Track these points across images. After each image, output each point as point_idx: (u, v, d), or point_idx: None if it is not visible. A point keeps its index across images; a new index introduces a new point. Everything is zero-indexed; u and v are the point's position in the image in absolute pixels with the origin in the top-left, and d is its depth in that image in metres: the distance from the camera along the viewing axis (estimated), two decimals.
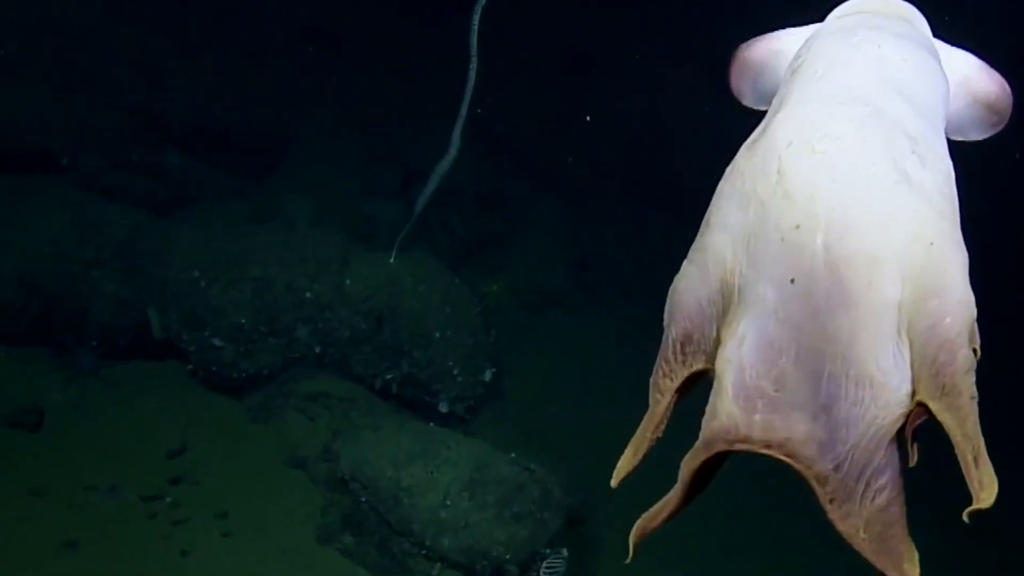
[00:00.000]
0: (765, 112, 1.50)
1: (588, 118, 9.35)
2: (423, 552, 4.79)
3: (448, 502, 4.63)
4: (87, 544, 4.79)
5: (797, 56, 1.53)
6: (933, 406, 1.12)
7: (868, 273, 1.14)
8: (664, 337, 1.34)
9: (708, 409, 1.23)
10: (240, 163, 7.74)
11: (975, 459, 1.10)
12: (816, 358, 1.14)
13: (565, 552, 4.79)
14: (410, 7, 9.97)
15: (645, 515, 1.26)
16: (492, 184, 8.12)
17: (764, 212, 1.21)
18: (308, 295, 5.66)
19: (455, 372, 5.75)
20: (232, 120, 8.03)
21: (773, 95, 1.57)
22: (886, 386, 1.13)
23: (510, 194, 8.23)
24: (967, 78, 1.66)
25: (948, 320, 1.14)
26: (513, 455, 4.89)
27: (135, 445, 5.49)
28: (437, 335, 5.74)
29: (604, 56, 10.17)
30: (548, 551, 4.77)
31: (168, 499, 5.17)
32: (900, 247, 1.16)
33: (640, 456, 1.33)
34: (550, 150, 8.85)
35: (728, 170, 1.35)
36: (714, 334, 1.27)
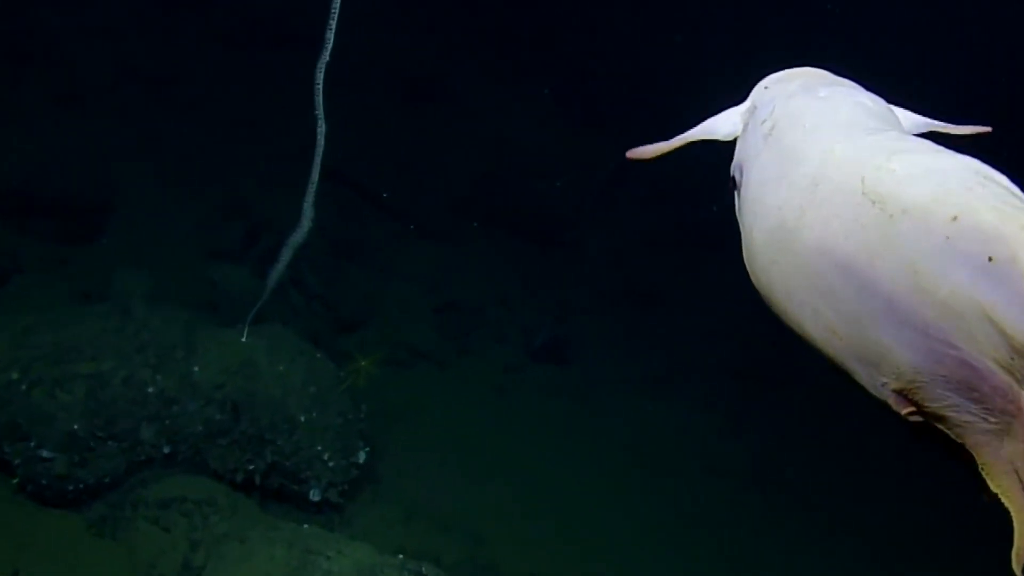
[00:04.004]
0: None
1: (437, 150, 8.98)
2: None
3: None
4: None
5: (760, 121, 1.51)
6: None
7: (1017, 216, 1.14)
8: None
9: None
10: (59, 228, 6.91)
11: None
12: None
13: None
14: (239, 42, 9.30)
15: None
16: (345, 231, 7.61)
17: (907, 237, 1.17)
18: (151, 389, 5.02)
19: (325, 457, 5.24)
20: (46, 178, 7.18)
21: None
22: None
23: (365, 240, 7.75)
24: None
25: None
26: (401, 556, 4.44)
27: None
28: (302, 418, 5.22)
29: (444, 84, 9.82)
30: None
31: None
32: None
33: None
34: (402, 187, 8.41)
35: (813, 249, 1.28)
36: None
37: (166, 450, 5.07)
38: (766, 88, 1.61)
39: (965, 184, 1.16)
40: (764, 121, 1.50)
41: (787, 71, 1.66)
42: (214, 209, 7.37)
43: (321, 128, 4.52)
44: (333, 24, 4.29)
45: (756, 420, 7.15)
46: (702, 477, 6.57)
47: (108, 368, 5.02)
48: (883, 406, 1.27)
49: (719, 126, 1.68)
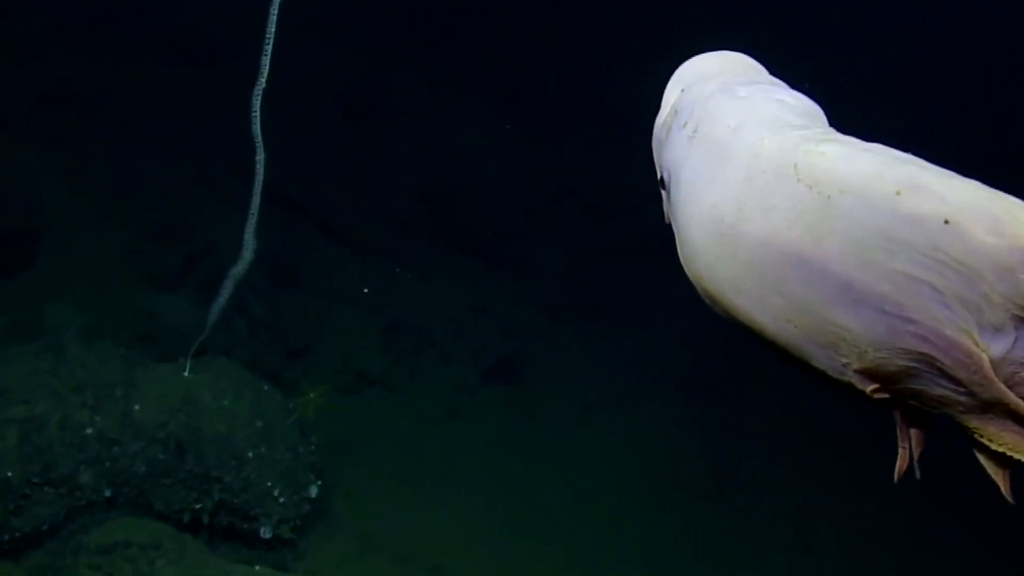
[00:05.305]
0: None
1: (379, 167, 8.83)
2: None
3: None
4: None
5: (683, 124, 1.49)
6: None
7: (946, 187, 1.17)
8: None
9: None
10: None
11: None
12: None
13: None
14: (170, 58, 9.03)
15: None
16: (288, 252, 7.42)
17: (850, 216, 1.17)
18: (89, 431, 4.81)
19: (275, 492, 5.08)
20: None
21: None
22: None
23: (308, 261, 7.56)
24: None
25: None
26: None
27: None
28: (250, 454, 5.05)
29: (386, 98, 9.65)
30: None
31: None
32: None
33: None
34: (346, 206, 8.24)
35: (756, 242, 1.26)
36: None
37: (107, 493, 4.86)
38: (683, 91, 1.60)
39: (901, 159, 1.18)
40: (686, 124, 1.49)
41: (702, 65, 1.64)
42: (149, 234, 7.13)
43: (260, 157, 4.37)
44: (268, 49, 4.14)
45: (714, 430, 7.15)
46: (665, 490, 6.54)
47: (42, 411, 4.80)
48: (846, 388, 1.25)
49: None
